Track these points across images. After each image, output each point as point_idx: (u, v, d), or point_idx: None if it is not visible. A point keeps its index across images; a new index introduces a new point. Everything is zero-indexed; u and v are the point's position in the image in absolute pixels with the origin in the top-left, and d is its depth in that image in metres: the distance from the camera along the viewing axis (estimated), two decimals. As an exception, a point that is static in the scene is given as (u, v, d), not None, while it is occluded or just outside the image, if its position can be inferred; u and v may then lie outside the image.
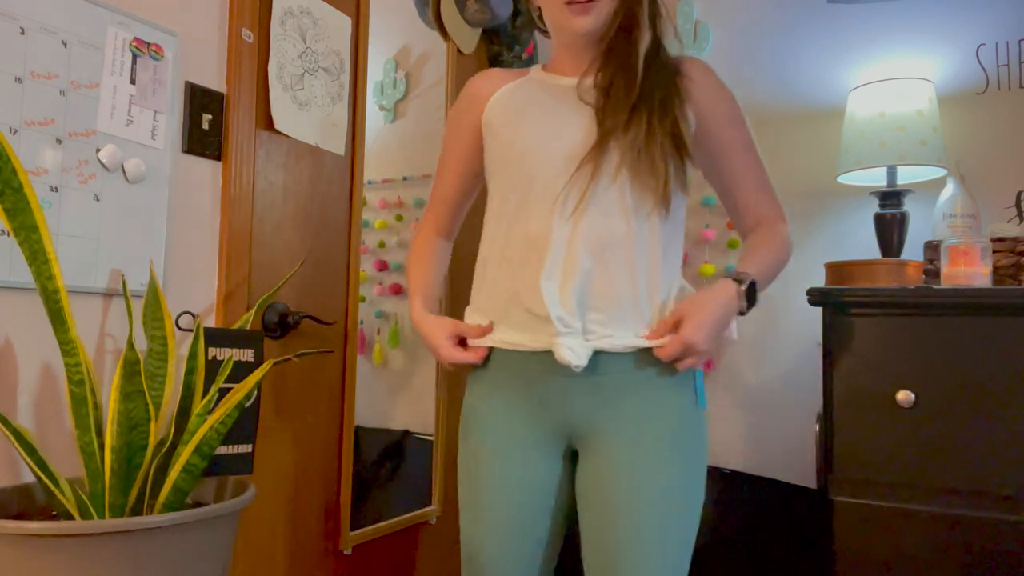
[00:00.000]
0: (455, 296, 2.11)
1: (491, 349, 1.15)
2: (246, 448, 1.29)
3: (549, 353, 1.06)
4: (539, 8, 1.22)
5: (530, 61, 2.31)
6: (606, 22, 1.13)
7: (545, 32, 1.26)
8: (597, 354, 1.06)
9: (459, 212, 1.36)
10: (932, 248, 1.69)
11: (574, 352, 1.03)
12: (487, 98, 1.22)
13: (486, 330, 1.15)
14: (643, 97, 1.08)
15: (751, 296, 1.07)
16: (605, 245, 1.06)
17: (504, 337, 1.12)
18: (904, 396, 1.45)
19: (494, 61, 2.28)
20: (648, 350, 1.07)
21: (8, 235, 1.14)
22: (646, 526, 1.03)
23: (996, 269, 1.58)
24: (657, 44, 1.13)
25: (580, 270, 1.05)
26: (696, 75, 1.15)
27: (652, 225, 1.08)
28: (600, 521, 1.06)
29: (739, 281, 1.07)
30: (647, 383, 1.08)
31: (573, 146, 1.09)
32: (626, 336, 1.06)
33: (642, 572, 1.02)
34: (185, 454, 1.10)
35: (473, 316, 1.19)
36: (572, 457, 1.16)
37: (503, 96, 1.21)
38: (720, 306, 1.05)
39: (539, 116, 1.15)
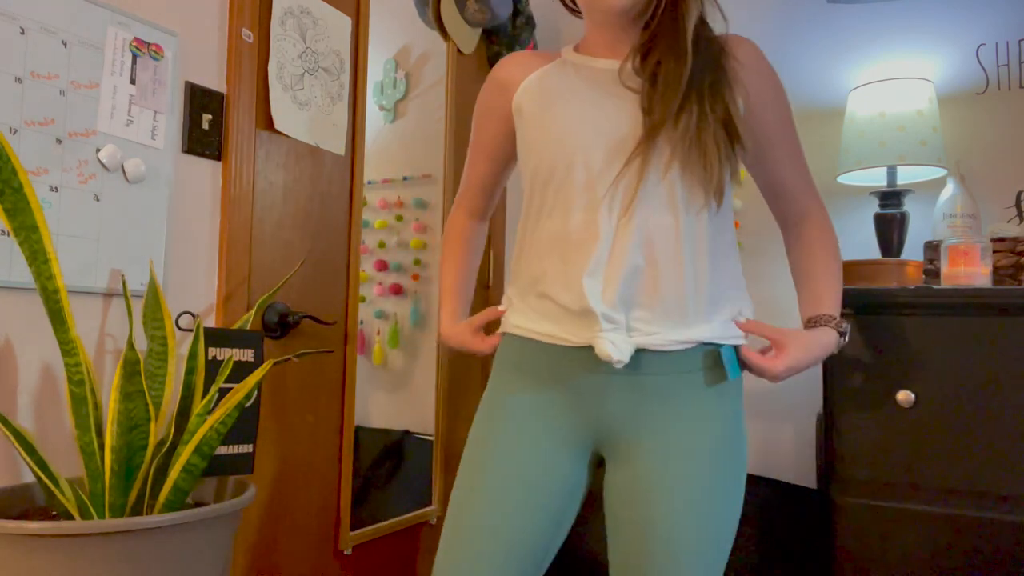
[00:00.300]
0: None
1: (524, 338, 1.11)
2: (246, 448, 1.29)
3: (588, 349, 1.02)
4: None
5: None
6: None
7: (576, 11, 1.19)
8: (640, 352, 1.02)
9: (493, 195, 1.32)
10: (932, 248, 1.69)
11: (616, 347, 0.99)
12: (517, 83, 1.16)
13: (499, 312, 1.17)
14: (692, 82, 1.02)
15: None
16: (654, 242, 1.02)
17: (540, 328, 1.08)
18: (904, 396, 1.45)
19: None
20: (691, 352, 1.04)
21: (8, 235, 1.14)
22: (687, 527, 1.00)
23: (996, 269, 1.58)
24: (702, 21, 1.07)
25: (627, 268, 1.01)
26: (744, 56, 1.09)
27: (702, 220, 1.04)
28: (640, 520, 1.01)
29: (841, 334, 1.08)
30: (691, 386, 1.04)
31: (618, 137, 1.03)
32: (671, 333, 1.02)
33: (682, 572, 0.99)
34: (185, 454, 1.10)
35: (510, 304, 1.16)
36: (592, 465, 1.12)
37: (534, 81, 1.14)
38: (817, 357, 1.06)
39: (576, 102, 1.08)
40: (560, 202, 1.06)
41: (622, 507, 1.04)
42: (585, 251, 1.03)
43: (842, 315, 1.12)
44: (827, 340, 1.07)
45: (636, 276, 1.02)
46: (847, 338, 1.09)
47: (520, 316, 1.12)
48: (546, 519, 1.06)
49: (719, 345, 1.05)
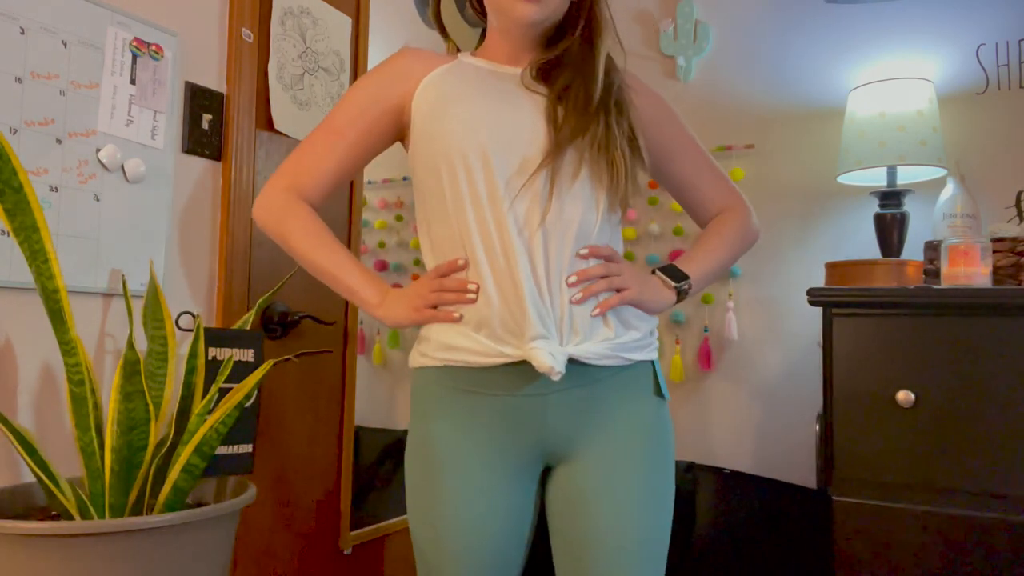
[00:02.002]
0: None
1: (447, 368, 1.04)
2: (246, 448, 1.29)
3: (520, 364, 0.99)
4: None
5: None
6: (553, 14, 1.08)
7: (480, 11, 1.19)
8: (571, 361, 1.00)
9: (331, 193, 1.14)
10: (932, 248, 1.69)
11: (554, 357, 0.96)
12: (418, 78, 1.10)
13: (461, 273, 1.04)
14: (601, 100, 1.06)
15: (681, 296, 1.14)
16: (572, 241, 1.02)
17: (467, 344, 1.01)
18: (904, 396, 1.45)
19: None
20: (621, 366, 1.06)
21: (8, 235, 1.14)
22: (632, 527, 1.01)
23: (996, 269, 1.58)
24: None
25: (549, 268, 1.01)
26: (633, 83, 1.15)
27: (609, 224, 1.07)
28: (582, 526, 1.02)
29: (680, 293, 1.13)
30: (617, 381, 1.05)
31: (531, 136, 1.03)
32: (598, 342, 1.02)
33: (628, 571, 1.00)
34: (185, 454, 1.10)
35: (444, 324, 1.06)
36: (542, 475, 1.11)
37: (438, 75, 1.10)
38: (656, 303, 1.10)
39: (486, 98, 1.06)
40: (474, 195, 1.02)
41: (565, 515, 1.05)
42: (509, 249, 1.00)
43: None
44: (664, 297, 1.11)
45: (559, 277, 1.02)
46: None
47: (446, 334, 1.04)
48: (519, 555, 1.08)
49: (646, 360, 1.09)
